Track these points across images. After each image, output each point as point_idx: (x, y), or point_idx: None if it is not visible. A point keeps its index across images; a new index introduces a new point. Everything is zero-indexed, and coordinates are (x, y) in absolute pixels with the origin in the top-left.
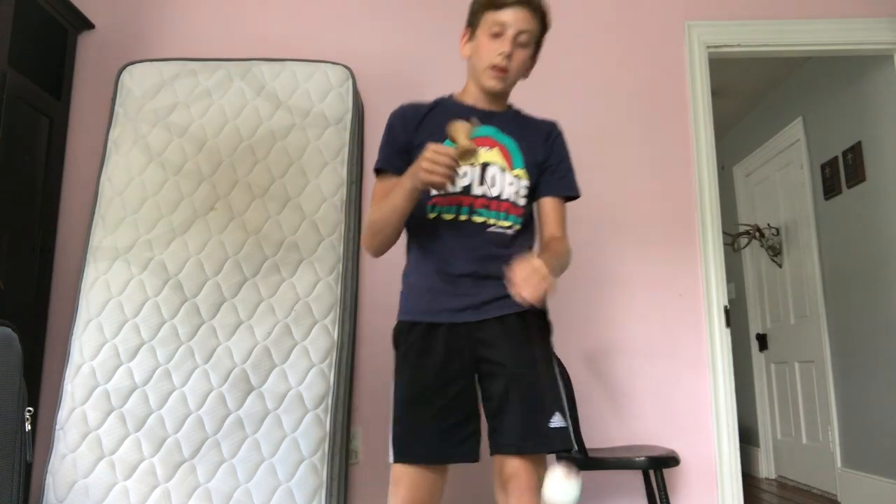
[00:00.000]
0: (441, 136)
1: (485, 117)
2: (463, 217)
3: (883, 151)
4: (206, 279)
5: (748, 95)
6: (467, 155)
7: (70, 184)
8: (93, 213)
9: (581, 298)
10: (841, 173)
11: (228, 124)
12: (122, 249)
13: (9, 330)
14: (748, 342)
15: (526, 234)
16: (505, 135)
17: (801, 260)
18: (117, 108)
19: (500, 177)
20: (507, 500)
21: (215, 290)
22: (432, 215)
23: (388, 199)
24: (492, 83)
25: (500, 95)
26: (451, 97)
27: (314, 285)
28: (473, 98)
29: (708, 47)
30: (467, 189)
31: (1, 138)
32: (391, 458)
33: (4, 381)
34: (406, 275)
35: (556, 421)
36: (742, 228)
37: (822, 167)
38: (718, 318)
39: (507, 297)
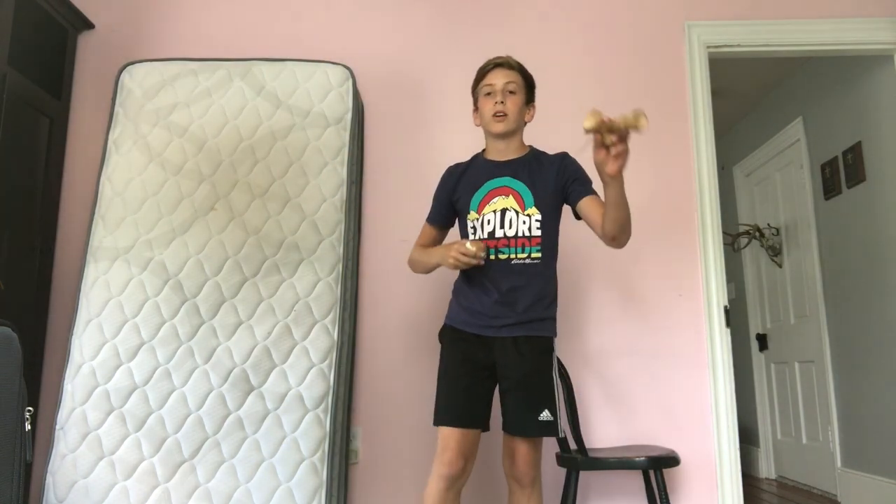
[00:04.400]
0: (472, 187)
1: (501, 167)
2: (492, 256)
3: (883, 151)
4: (206, 279)
5: (748, 95)
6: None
7: (70, 184)
8: (93, 213)
9: (581, 298)
10: (841, 173)
11: (228, 124)
12: (122, 249)
13: (9, 330)
14: (748, 342)
15: (547, 260)
16: (518, 180)
17: (801, 260)
18: (117, 108)
19: (516, 219)
20: (510, 466)
21: (215, 290)
22: None
23: (427, 254)
24: (497, 127)
25: (513, 139)
26: (483, 154)
27: (314, 285)
28: (495, 153)
29: (708, 47)
30: (491, 233)
31: (1, 138)
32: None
33: (4, 381)
34: (455, 292)
35: (545, 416)
36: (742, 228)
37: (822, 167)
38: (718, 318)
39: (521, 323)
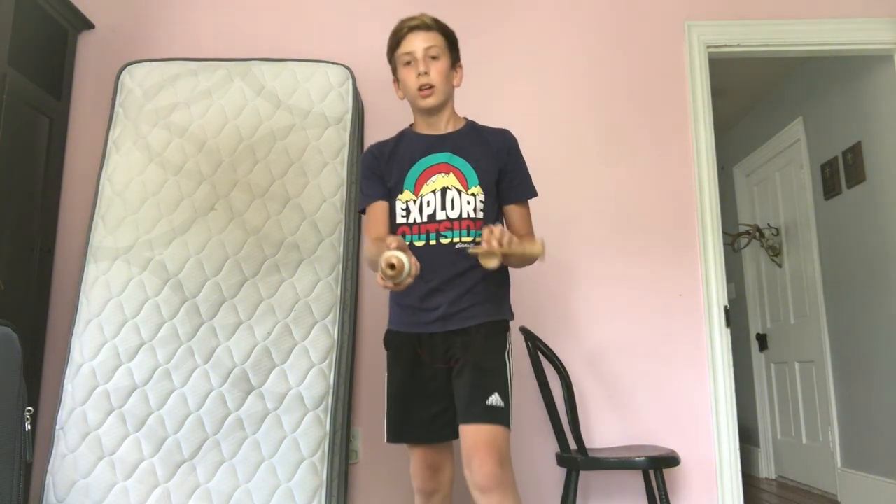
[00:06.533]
0: (406, 163)
1: (438, 142)
2: (432, 242)
3: (883, 151)
4: (206, 279)
5: (748, 95)
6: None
7: (70, 184)
8: (93, 213)
9: (581, 298)
10: (841, 173)
11: (228, 124)
12: (122, 249)
13: (9, 330)
14: (748, 342)
15: None
16: (458, 157)
17: (801, 260)
18: (117, 108)
19: (458, 199)
20: (467, 469)
21: (215, 290)
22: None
23: (374, 254)
24: (425, 102)
25: (444, 110)
26: (410, 128)
27: (314, 285)
28: (427, 127)
29: (708, 47)
30: (432, 216)
31: (1, 138)
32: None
33: (4, 381)
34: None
35: (494, 400)
36: (742, 228)
37: (822, 167)
38: (718, 318)
39: (471, 307)
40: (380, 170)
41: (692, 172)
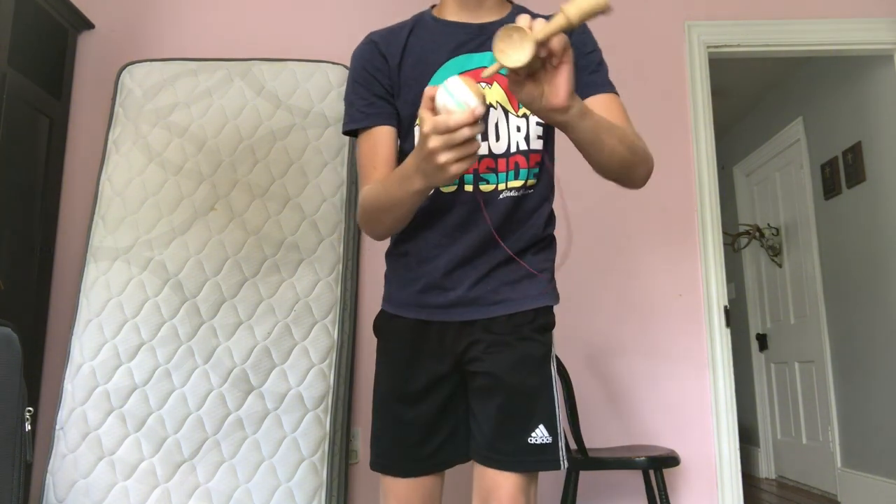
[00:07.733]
0: (430, 67)
1: (475, 34)
2: (467, 187)
3: (883, 151)
4: (206, 279)
5: (748, 95)
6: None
7: (70, 184)
8: (93, 213)
9: (581, 298)
10: (841, 173)
11: (228, 124)
12: (122, 249)
13: (9, 330)
14: (748, 342)
15: (546, 186)
16: None
17: (801, 260)
18: (117, 108)
19: (504, 123)
20: None
21: (215, 290)
22: None
23: (387, 189)
24: None
25: None
26: (429, 13)
27: (314, 285)
28: (456, 8)
29: (708, 47)
30: None
31: (1, 138)
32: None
33: (4, 381)
34: (394, 255)
35: (539, 435)
36: (742, 228)
37: (822, 167)
38: (718, 318)
39: (505, 286)
40: (385, 74)
41: (692, 172)
